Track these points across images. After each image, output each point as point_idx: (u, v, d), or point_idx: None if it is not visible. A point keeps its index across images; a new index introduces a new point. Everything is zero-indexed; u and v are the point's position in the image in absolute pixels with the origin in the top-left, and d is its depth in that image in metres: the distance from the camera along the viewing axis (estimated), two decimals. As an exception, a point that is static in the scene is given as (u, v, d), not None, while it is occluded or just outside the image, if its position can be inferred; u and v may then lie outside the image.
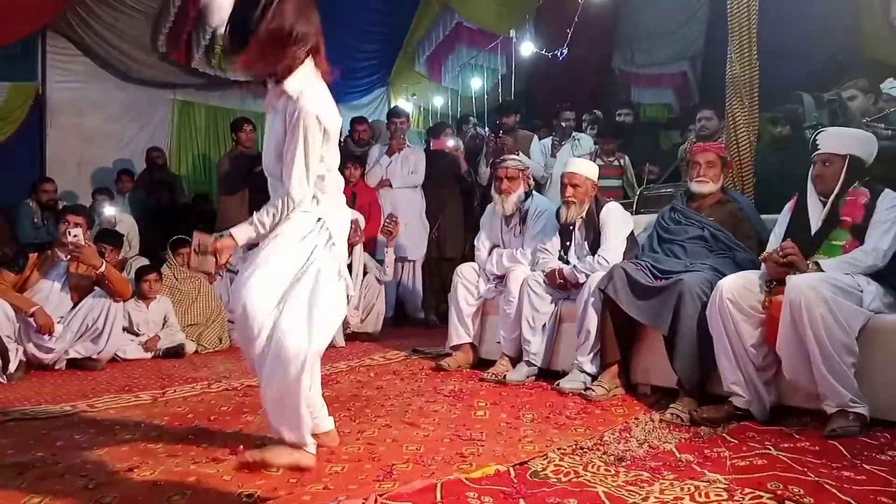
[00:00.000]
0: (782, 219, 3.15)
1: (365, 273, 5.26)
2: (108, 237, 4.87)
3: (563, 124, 6.41)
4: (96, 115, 7.43)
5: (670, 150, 6.44)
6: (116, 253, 5.00)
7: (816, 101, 5.76)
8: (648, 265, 3.37)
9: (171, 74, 7.56)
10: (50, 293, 4.31)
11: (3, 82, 6.69)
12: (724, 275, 3.02)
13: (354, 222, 5.07)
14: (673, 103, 9.85)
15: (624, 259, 3.66)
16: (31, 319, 4.12)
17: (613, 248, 3.74)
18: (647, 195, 4.77)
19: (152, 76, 7.55)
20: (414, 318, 6.19)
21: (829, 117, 5.02)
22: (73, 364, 4.35)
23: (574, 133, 6.41)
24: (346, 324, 5.10)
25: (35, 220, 6.11)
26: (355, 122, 6.90)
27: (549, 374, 3.76)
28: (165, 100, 7.90)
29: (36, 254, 4.39)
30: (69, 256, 4.30)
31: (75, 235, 4.17)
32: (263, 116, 8.36)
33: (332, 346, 4.90)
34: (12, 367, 3.96)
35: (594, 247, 3.84)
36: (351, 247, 5.05)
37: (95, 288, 4.39)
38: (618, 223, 3.83)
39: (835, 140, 2.97)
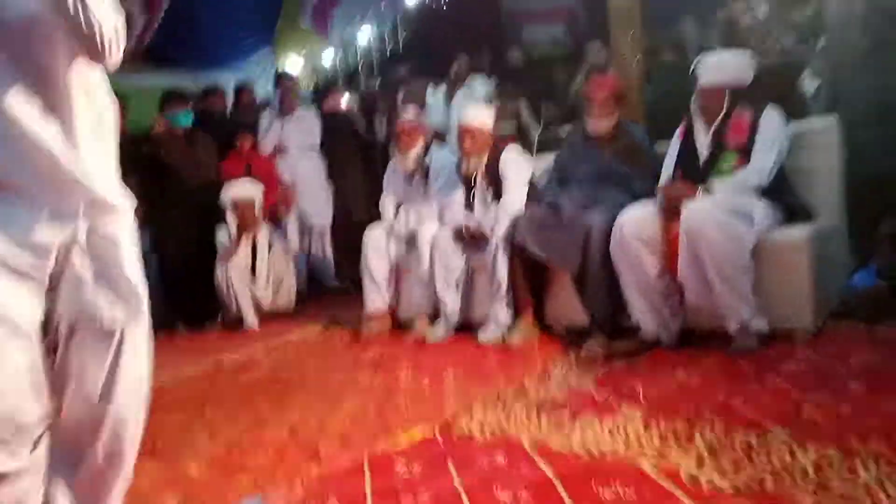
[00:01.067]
0: (672, 147, 3.22)
1: (270, 247, 5.09)
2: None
3: (455, 70, 6.32)
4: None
5: (566, 87, 6.47)
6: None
7: (703, 22, 5.87)
8: (551, 206, 3.40)
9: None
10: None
11: None
12: (623, 207, 3.07)
13: (252, 204, 4.89)
14: (565, 38, 9.91)
15: (527, 203, 3.67)
16: None
17: (516, 195, 3.74)
18: (543, 139, 4.80)
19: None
20: (330, 287, 6.08)
21: (719, 39, 5.10)
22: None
23: (467, 79, 6.34)
24: (256, 303, 4.94)
25: None
26: (240, 90, 6.63)
27: (467, 328, 3.78)
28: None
29: None
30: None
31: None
32: (137, 93, 7.88)
33: (244, 329, 4.76)
34: None
35: (498, 195, 3.83)
36: (253, 225, 4.88)
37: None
38: (518, 169, 3.82)
39: (715, 71, 3.03)
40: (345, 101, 6.06)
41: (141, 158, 5.10)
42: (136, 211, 4.47)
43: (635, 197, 3.28)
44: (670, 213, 2.86)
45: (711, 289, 2.73)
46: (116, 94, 1.64)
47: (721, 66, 3.05)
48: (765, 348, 2.66)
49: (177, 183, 5.16)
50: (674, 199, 2.85)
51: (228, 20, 8.23)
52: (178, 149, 5.18)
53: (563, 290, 3.38)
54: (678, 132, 3.22)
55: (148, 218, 5.30)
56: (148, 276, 4.78)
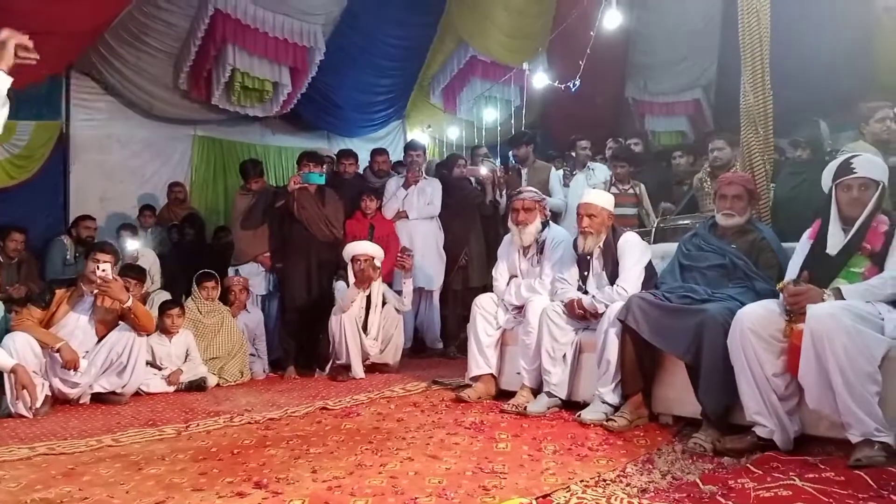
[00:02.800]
0: (801, 246, 3.16)
1: (383, 304, 5.30)
2: (132, 271, 4.94)
3: (578, 153, 6.46)
4: (119, 151, 7.58)
5: (686, 178, 6.46)
6: (140, 287, 5.07)
7: (832, 127, 5.77)
8: (668, 293, 3.38)
9: (192, 111, 7.72)
10: (76, 328, 4.38)
11: (28, 121, 6.86)
12: (743, 304, 3.03)
13: (370, 259, 5.13)
14: (687, 130, 9.93)
15: (642, 289, 3.67)
16: (57, 355, 4.18)
17: (632, 278, 3.76)
18: (664, 227, 4.79)
19: (174, 113, 7.71)
20: (432, 349, 6.21)
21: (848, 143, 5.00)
22: (98, 398, 4.40)
23: (589, 163, 6.47)
24: (365, 355, 5.13)
25: (67, 256, 6.22)
26: (375, 153, 7.00)
27: (570, 405, 3.76)
28: (186, 136, 8.06)
29: (62, 289, 4.47)
30: (96, 291, 4.37)
31: (104, 270, 4.24)
32: (279, 151, 8.52)
33: (351, 377, 4.96)
34: (39, 401, 4.01)
35: (612, 277, 3.86)
36: (370, 280, 5.10)
37: (120, 322, 4.46)
38: (635, 253, 3.85)
39: (872, 165, 2.99)
40: (485, 169, 6.31)
41: (276, 210, 5.50)
42: (266, 256, 4.86)
43: (757, 294, 3.23)
44: (794, 312, 2.79)
45: (834, 395, 2.61)
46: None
47: (878, 164, 3.01)
48: (890, 465, 2.51)
49: (305, 235, 5.51)
50: (799, 298, 2.79)
51: (366, 94, 8.83)
52: (309, 204, 5.55)
53: (675, 378, 3.32)
54: (808, 232, 3.16)
55: (275, 263, 5.69)
56: (268, 317, 5.12)
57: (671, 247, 3.98)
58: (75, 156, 7.28)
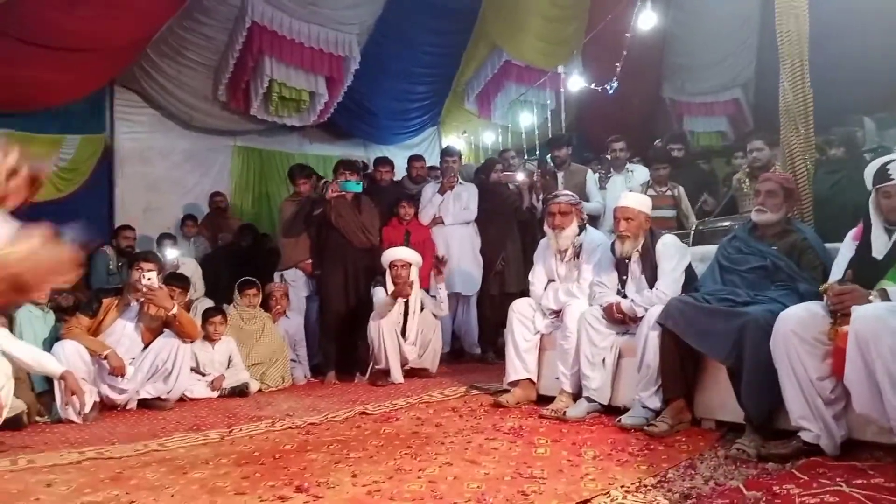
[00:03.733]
0: (845, 248, 3.09)
1: (421, 309, 5.33)
2: (176, 280, 5.06)
3: (615, 155, 6.42)
4: (161, 163, 7.77)
5: (726, 178, 6.38)
6: (184, 295, 5.18)
7: (879, 123, 5.63)
8: (708, 296, 3.34)
9: (231, 122, 7.87)
10: (122, 336, 4.50)
11: (74, 135, 7.07)
12: (786, 306, 2.97)
13: (407, 265, 5.16)
14: (727, 130, 9.78)
15: (682, 292, 3.63)
16: (105, 362, 4.30)
17: (671, 281, 3.72)
18: (703, 229, 4.73)
19: (213, 124, 7.87)
20: (471, 354, 6.22)
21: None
22: (144, 404, 4.51)
23: (628, 164, 6.41)
24: (403, 360, 5.17)
25: (110, 265, 6.39)
26: (413, 159, 7.04)
27: (610, 410, 3.73)
28: (226, 146, 8.22)
29: (109, 298, 4.59)
30: (141, 299, 4.48)
31: (149, 279, 4.35)
32: (320, 159, 8.63)
33: (390, 382, 5.00)
34: (87, 407, 4.13)
35: (651, 280, 3.82)
36: (405, 293, 5.12)
37: (165, 329, 4.56)
38: (674, 255, 3.81)
39: None
40: (521, 175, 6.31)
41: (314, 217, 5.58)
42: (306, 263, 4.87)
43: (800, 296, 3.16)
44: (839, 314, 2.73)
45: (882, 398, 2.55)
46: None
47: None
48: (943, 471, 2.43)
49: (342, 243, 5.57)
50: (844, 300, 2.73)
51: (401, 102, 8.90)
52: (346, 212, 5.61)
53: (717, 383, 3.27)
54: (853, 233, 3.09)
55: (315, 270, 5.77)
56: (308, 322, 5.16)
57: (711, 249, 3.92)
58: (119, 168, 7.49)
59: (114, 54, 6.43)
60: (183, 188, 7.88)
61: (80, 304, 5.04)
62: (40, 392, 4.27)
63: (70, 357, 4.14)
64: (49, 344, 4.33)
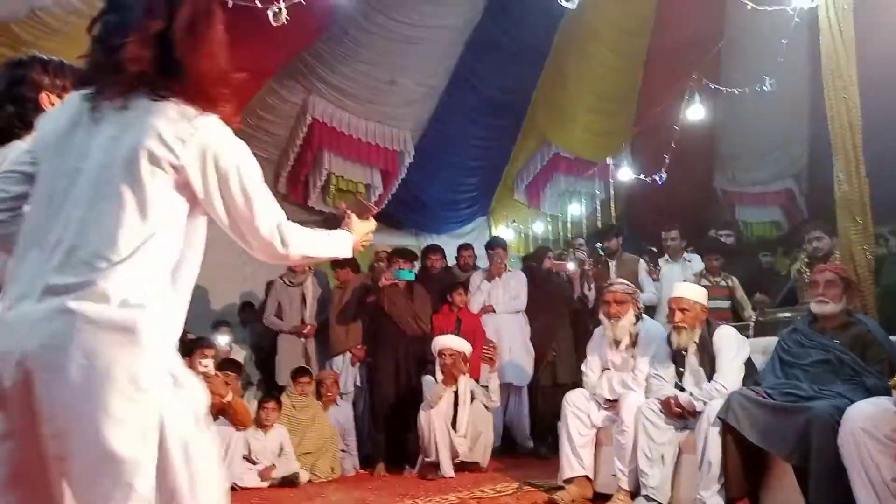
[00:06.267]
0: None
1: (472, 400, 5.26)
2: (230, 366, 5.13)
3: (668, 245, 6.40)
4: (223, 252, 7.95)
5: (786, 271, 6.27)
6: (237, 381, 5.25)
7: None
8: (770, 391, 3.24)
9: (290, 213, 7.98)
10: (178, 422, 4.55)
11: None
12: (852, 402, 2.86)
13: (456, 354, 5.15)
14: (781, 220, 9.68)
15: (743, 386, 3.53)
16: (160, 448, 4.34)
17: (730, 374, 3.62)
18: (763, 321, 4.63)
19: (273, 215, 8.16)
20: (523, 448, 6.06)
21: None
22: (196, 492, 4.50)
23: (685, 254, 6.37)
24: (454, 453, 5.06)
25: None
26: (462, 248, 7.13)
27: (670, 509, 3.57)
28: (283, 236, 8.47)
29: (167, 384, 4.68)
30: (197, 386, 4.55)
31: (205, 366, 4.44)
32: (370, 248, 8.79)
33: (440, 475, 4.89)
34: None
35: (710, 373, 3.73)
36: (456, 376, 5.09)
37: (219, 416, 4.60)
38: (732, 347, 3.72)
39: None
40: (572, 265, 6.33)
41: (367, 305, 5.66)
42: (358, 348, 4.85)
43: (867, 391, 3.05)
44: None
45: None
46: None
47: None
48: None
49: (395, 330, 5.61)
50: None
51: (452, 193, 9.11)
52: (399, 300, 5.68)
53: (783, 482, 3.12)
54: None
55: (366, 357, 5.81)
56: (357, 410, 5.12)
57: (771, 341, 3.83)
58: (185, 256, 7.76)
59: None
60: (241, 276, 8.09)
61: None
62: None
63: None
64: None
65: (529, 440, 6.04)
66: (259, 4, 4.14)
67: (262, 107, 7.00)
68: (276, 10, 4.09)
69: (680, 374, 3.86)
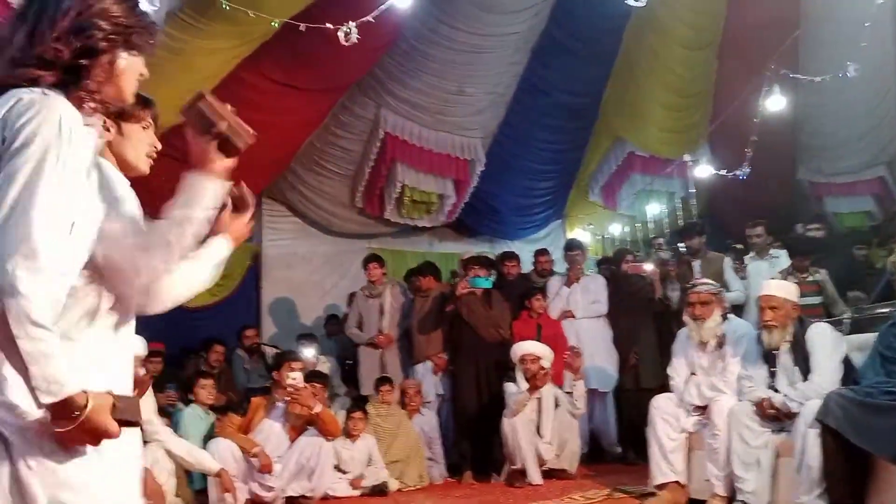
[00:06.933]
0: None
1: (556, 406, 5.22)
2: (317, 378, 5.26)
3: (754, 241, 6.19)
4: (303, 267, 8.26)
5: (881, 263, 5.96)
6: (324, 392, 5.38)
7: None
8: (871, 389, 3.09)
9: (367, 226, 8.31)
10: (270, 434, 4.70)
11: (240, 245, 7.72)
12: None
13: (538, 359, 5.12)
14: (873, 210, 9.21)
15: (841, 385, 3.38)
16: (255, 459, 4.50)
17: (827, 373, 3.48)
18: (860, 317, 4.42)
19: (350, 229, 8.34)
20: (611, 454, 5.97)
21: None
22: (290, 502, 4.64)
23: (772, 250, 6.15)
24: (540, 460, 5.03)
25: (245, 365, 6.75)
26: (538, 253, 7.11)
27: (769, 515, 3.45)
28: (361, 249, 8.62)
29: (258, 397, 4.85)
30: (287, 399, 4.70)
31: (294, 379, 4.58)
32: (446, 257, 8.88)
33: (528, 483, 4.86)
34: (239, 504, 4.31)
35: (805, 372, 3.59)
36: (539, 384, 5.06)
37: (308, 427, 4.73)
38: (828, 345, 3.58)
39: None
40: (649, 266, 6.22)
41: (447, 314, 5.71)
42: (439, 356, 4.82)
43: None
44: None
45: None
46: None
47: None
48: None
49: (474, 338, 5.64)
50: None
51: (525, 198, 9.09)
52: (477, 308, 5.71)
53: (890, 484, 2.97)
54: None
55: (447, 365, 5.86)
56: (441, 418, 5.15)
57: (869, 338, 3.66)
58: (266, 273, 8.04)
59: (264, 169, 7.04)
60: (322, 290, 8.31)
61: (231, 403, 5.36)
62: (198, 489, 4.51)
63: (223, 455, 4.37)
64: (205, 442, 4.60)
65: (617, 446, 5.96)
66: (330, 26, 4.27)
67: (335, 124, 7.19)
68: (347, 31, 4.20)
69: (773, 375, 3.73)
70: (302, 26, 4.53)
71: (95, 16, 1.30)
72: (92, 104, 1.32)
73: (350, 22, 4.22)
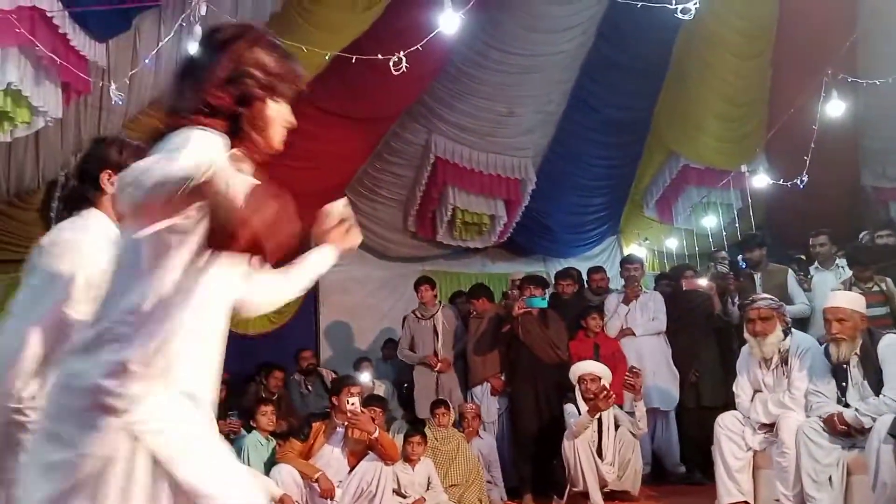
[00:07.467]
0: None
1: (617, 426, 5.14)
2: (375, 401, 5.30)
3: (817, 251, 6.01)
4: (359, 292, 8.38)
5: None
6: (382, 416, 5.41)
7: None
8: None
9: (420, 249, 8.41)
10: (330, 458, 4.76)
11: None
12: None
13: (598, 380, 5.05)
14: (949, 214, 8.83)
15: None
16: (316, 485, 4.56)
17: (901, 387, 3.34)
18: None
19: (404, 252, 8.44)
20: (674, 474, 5.82)
21: None
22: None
23: (837, 260, 5.95)
24: (602, 481, 4.95)
25: (301, 390, 6.83)
26: (592, 271, 7.04)
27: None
28: (415, 272, 8.68)
29: (318, 422, 4.92)
30: (347, 423, 4.75)
31: (353, 404, 4.63)
32: (499, 278, 8.87)
33: (591, 505, 4.78)
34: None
35: (876, 386, 3.45)
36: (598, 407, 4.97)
37: (368, 452, 4.77)
38: (902, 358, 3.43)
39: None
40: (705, 281, 6.09)
41: (503, 335, 5.70)
42: (497, 377, 4.76)
43: None
44: None
45: None
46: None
47: None
48: None
49: (532, 359, 5.61)
50: None
51: (578, 216, 9.03)
52: (533, 328, 5.68)
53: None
54: None
55: (505, 387, 5.84)
56: (499, 440, 5.12)
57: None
58: (323, 298, 8.18)
59: (318, 198, 7.19)
60: (378, 314, 8.40)
61: (292, 428, 5.44)
62: (261, 515, 4.57)
63: (285, 480, 4.44)
64: (268, 468, 4.68)
65: (681, 466, 5.81)
66: (380, 57, 4.36)
67: (387, 151, 7.34)
68: (396, 60, 4.29)
69: (843, 389, 3.61)
70: (353, 58, 4.65)
71: (250, 65, 1.42)
72: (247, 152, 1.45)
73: (400, 52, 4.31)
